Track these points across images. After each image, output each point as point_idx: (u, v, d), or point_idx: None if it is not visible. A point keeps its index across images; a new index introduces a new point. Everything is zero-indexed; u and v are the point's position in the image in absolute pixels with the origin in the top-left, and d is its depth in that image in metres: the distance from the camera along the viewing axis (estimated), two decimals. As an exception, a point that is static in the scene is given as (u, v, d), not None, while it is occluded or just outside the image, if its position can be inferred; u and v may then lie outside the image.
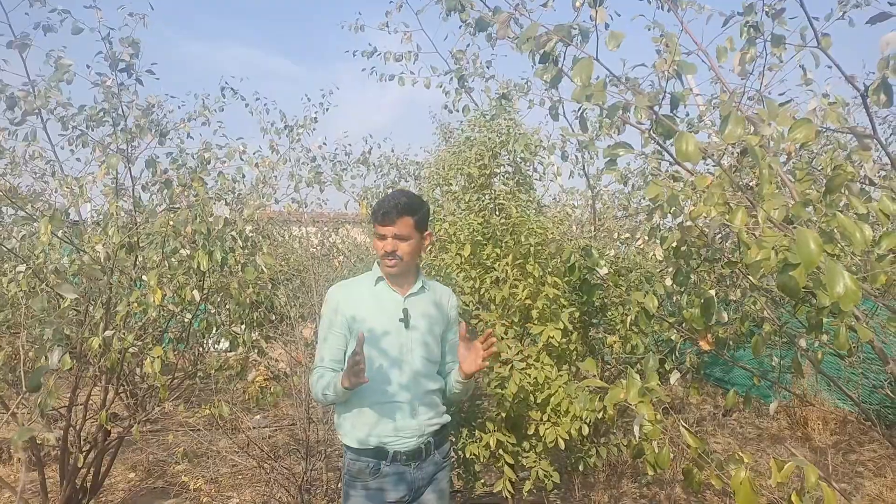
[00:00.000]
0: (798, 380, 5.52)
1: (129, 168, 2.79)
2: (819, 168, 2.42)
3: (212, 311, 3.50)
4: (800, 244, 1.00)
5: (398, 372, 1.97)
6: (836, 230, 1.40)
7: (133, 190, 2.92)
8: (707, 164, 2.61)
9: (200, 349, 4.29)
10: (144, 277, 2.52)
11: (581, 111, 1.87)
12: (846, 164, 1.83)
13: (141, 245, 2.82)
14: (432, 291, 2.12)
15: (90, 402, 3.87)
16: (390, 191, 2.11)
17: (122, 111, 2.66)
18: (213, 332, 3.39)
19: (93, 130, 3.05)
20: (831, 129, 1.79)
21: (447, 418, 2.10)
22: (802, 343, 2.48)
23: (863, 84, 1.54)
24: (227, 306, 3.55)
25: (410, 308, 2.02)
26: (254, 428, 5.30)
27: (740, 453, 1.60)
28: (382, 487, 1.96)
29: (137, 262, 2.99)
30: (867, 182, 1.94)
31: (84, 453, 3.73)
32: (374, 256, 2.10)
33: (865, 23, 1.61)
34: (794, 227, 1.03)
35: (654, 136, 1.82)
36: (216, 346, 3.47)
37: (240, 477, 4.26)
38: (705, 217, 1.86)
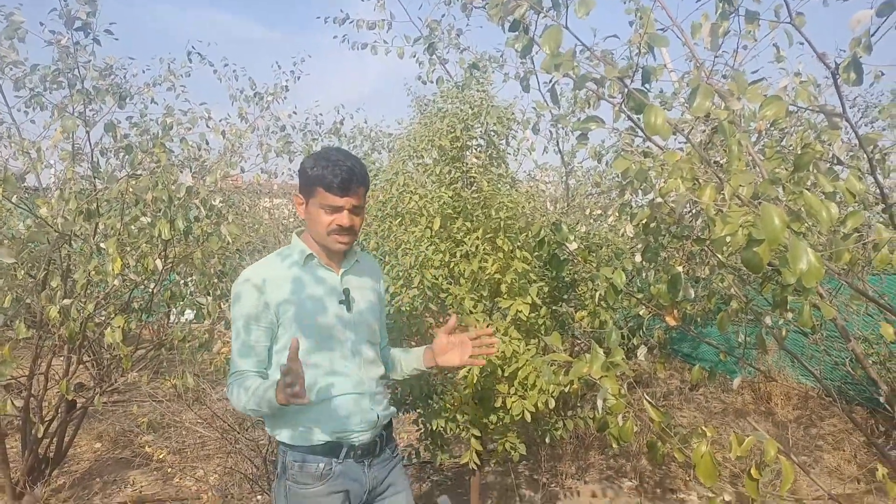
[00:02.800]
0: (763, 356, 5.63)
1: (88, 132, 2.68)
2: (789, 147, 2.43)
3: (178, 281, 3.43)
4: (764, 220, 0.98)
5: (344, 361, 1.73)
6: (802, 208, 1.40)
7: (92, 155, 2.81)
8: (679, 142, 2.60)
9: (166, 320, 4.22)
10: (103, 245, 2.44)
11: (552, 82, 1.83)
12: (815, 143, 1.82)
13: (101, 212, 2.73)
14: (363, 263, 1.88)
15: (54, 371, 3.80)
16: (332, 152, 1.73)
17: (79, 72, 2.54)
18: (179, 302, 3.33)
19: (50, 93, 2.93)
20: (801, 108, 1.78)
21: (394, 410, 1.89)
22: (768, 320, 2.50)
23: (834, 62, 1.52)
24: (193, 276, 3.48)
25: (349, 287, 1.79)
26: (221, 399, 5.27)
27: (703, 428, 1.62)
28: (331, 491, 1.69)
29: (98, 230, 2.91)
30: (836, 161, 1.94)
31: (46, 423, 3.66)
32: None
33: (840, -1, 1.59)
34: (760, 204, 1.02)
35: (625, 110, 1.79)
36: (181, 316, 3.41)
37: (206, 448, 4.23)
38: (675, 193, 1.85)
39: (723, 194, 1.50)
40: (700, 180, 1.68)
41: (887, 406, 2.56)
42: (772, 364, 5.76)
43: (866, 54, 1.40)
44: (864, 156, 1.78)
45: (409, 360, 1.94)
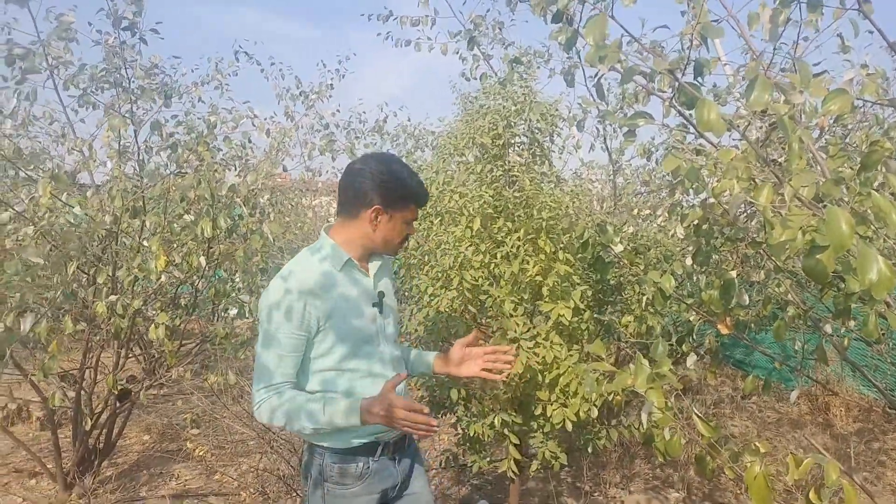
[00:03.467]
0: (821, 366, 5.37)
1: (136, 131, 2.73)
2: (854, 145, 2.27)
3: (224, 278, 3.47)
4: (829, 224, 0.89)
5: (381, 364, 1.73)
6: (869, 210, 1.28)
7: (138, 153, 2.86)
8: (734, 139, 2.47)
9: (213, 316, 4.29)
10: (146, 243, 2.47)
11: (597, 77, 1.74)
12: (884, 140, 1.68)
13: (146, 210, 2.78)
14: (383, 263, 1.84)
15: (104, 365, 3.90)
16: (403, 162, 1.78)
17: (125, 72, 2.58)
18: (223, 300, 3.37)
19: (102, 92, 2.99)
20: (869, 102, 1.65)
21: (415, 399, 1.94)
22: (828, 329, 2.35)
23: (908, 50, 1.40)
24: (237, 274, 3.52)
25: (383, 291, 1.80)
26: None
27: (757, 443, 1.51)
28: (369, 490, 1.72)
29: (145, 228, 2.96)
30: (908, 159, 1.79)
31: (96, 415, 3.76)
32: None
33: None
34: (824, 206, 0.92)
35: (675, 105, 1.69)
36: (225, 314, 3.44)
37: (247, 445, 4.28)
38: (729, 194, 1.74)
39: (781, 195, 1.39)
40: (756, 180, 1.57)
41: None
42: (831, 374, 5.48)
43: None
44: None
45: (418, 364, 1.97)
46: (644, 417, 1.44)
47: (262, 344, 1.59)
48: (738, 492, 3.92)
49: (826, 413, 5.18)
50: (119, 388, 4.00)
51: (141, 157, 2.79)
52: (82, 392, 3.72)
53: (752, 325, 3.22)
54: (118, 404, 3.86)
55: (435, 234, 2.67)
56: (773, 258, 2.48)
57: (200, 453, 3.22)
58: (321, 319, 1.60)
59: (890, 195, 1.54)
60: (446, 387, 2.55)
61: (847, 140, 2.31)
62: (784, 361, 3.67)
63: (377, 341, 1.74)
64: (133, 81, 2.63)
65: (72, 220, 2.74)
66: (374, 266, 1.77)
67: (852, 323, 2.23)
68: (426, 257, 2.70)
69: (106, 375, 3.39)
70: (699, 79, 1.64)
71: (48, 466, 3.71)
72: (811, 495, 1.38)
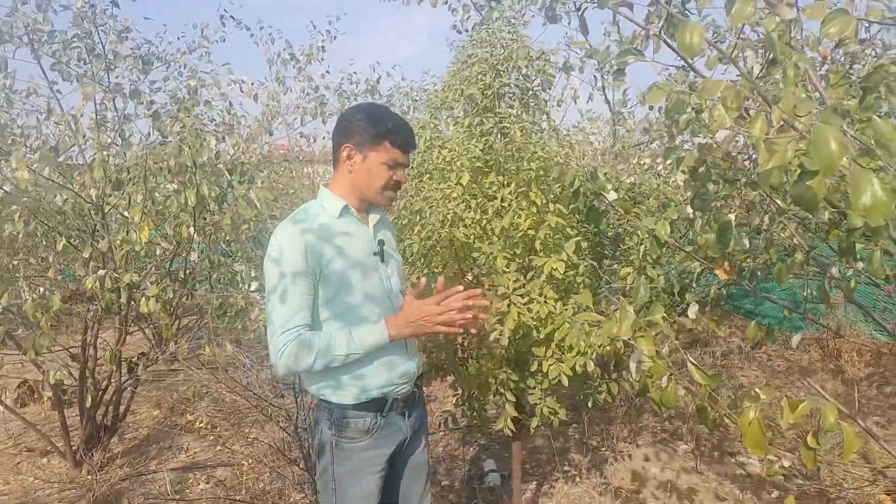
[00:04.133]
0: (832, 312, 5.29)
1: (112, 99, 2.64)
2: (858, 75, 2.15)
3: (220, 249, 3.42)
4: (817, 144, 0.80)
5: (387, 312, 1.73)
6: (871, 140, 1.19)
7: (119, 123, 2.78)
8: (730, 73, 2.34)
9: (211, 289, 4.26)
10: (127, 214, 2.41)
11: (581, 10, 1.63)
12: (889, 65, 1.57)
13: (130, 181, 2.71)
14: (384, 218, 1.89)
15: (106, 342, 3.90)
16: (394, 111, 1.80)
17: (99, 37, 2.49)
18: (217, 270, 3.32)
19: (78, 61, 2.90)
20: (873, 22, 1.54)
21: (423, 357, 1.93)
22: (834, 271, 2.26)
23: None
24: (232, 245, 3.47)
25: (382, 239, 1.81)
26: (256, 368, 5.34)
27: (756, 390, 1.45)
28: (378, 444, 1.74)
29: (132, 201, 2.89)
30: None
31: (100, 392, 3.77)
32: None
33: None
34: (812, 126, 0.83)
35: (665, 38, 1.59)
36: (221, 287, 3.40)
37: (248, 417, 4.29)
38: (726, 129, 1.64)
39: (776, 127, 1.30)
40: (750, 112, 1.47)
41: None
42: (842, 319, 5.40)
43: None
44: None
45: None
46: (633, 367, 1.37)
47: (272, 293, 1.61)
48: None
49: (837, 360, 5.12)
50: (127, 363, 4.01)
51: (120, 127, 2.71)
52: (86, 370, 3.72)
53: (759, 272, 3.14)
54: (123, 380, 3.86)
55: (425, 193, 2.58)
56: (775, 200, 2.39)
57: (200, 425, 3.21)
58: (323, 264, 1.63)
59: (894, 121, 1.44)
60: (442, 348, 2.50)
61: (851, 70, 2.19)
62: (794, 309, 3.59)
63: (381, 290, 1.75)
64: (105, 46, 2.54)
65: (59, 199, 2.68)
66: (374, 218, 1.80)
67: (859, 265, 2.14)
68: (417, 217, 2.63)
69: (109, 352, 3.38)
70: (686, 8, 1.54)
71: (58, 445, 3.74)
72: (809, 439, 1.32)
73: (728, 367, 5.30)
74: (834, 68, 1.78)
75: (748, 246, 2.13)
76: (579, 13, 1.66)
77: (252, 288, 3.02)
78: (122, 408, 4.01)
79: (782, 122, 1.04)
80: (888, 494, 3.18)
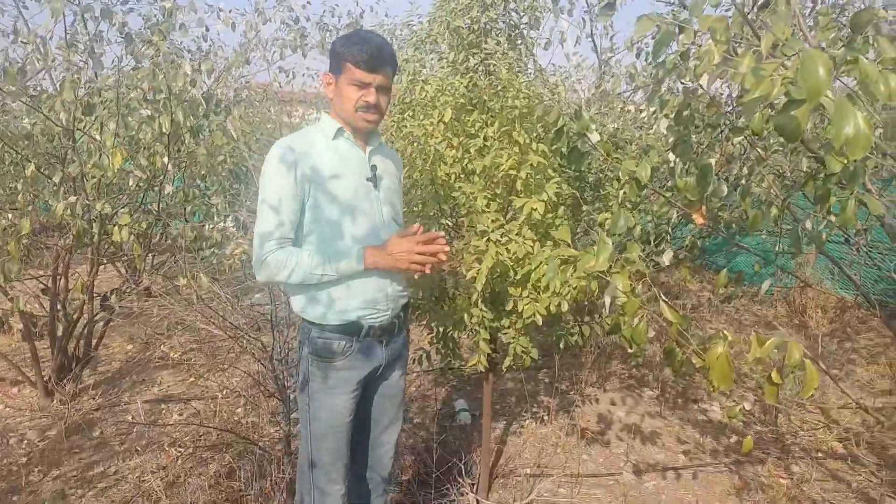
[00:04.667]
0: (801, 269, 5.41)
1: (83, 17, 2.53)
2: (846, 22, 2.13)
3: (196, 183, 3.35)
4: (805, 69, 0.79)
5: (371, 238, 1.78)
6: (856, 81, 1.18)
7: (91, 45, 2.67)
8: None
9: (186, 222, 4.19)
10: (98, 137, 2.34)
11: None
12: (878, 9, 1.56)
13: (102, 104, 2.62)
14: (386, 149, 1.96)
15: (78, 274, 3.84)
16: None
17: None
18: (192, 203, 3.26)
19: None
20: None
21: (411, 290, 2.01)
22: (808, 224, 2.30)
23: None
24: (207, 178, 3.40)
25: (375, 165, 1.84)
26: (254, 305, 5.32)
27: (724, 332, 1.48)
28: (352, 366, 1.82)
29: (104, 126, 2.80)
30: (901, 30, 1.67)
31: (72, 323, 3.74)
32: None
33: None
34: (801, 51, 0.82)
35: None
36: (196, 219, 3.35)
37: (223, 352, 4.29)
38: (711, 73, 1.62)
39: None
40: (739, 51, 1.46)
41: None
42: (810, 276, 5.53)
43: None
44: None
45: None
46: (607, 301, 1.39)
47: (262, 204, 1.69)
48: (711, 389, 4.01)
49: (802, 315, 5.27)
50: (100, 296, 3.97)
51: (91, 48, 2.59)
52: (57, 301, 3.68)
53: (734, 224, 3.18)
54: (95, 312, 3.83)
55: (407, 129, 2.54)
56: (755, 148, 2.40)
57: (175, 356, 3.21)
58: (309, 176, 1.69)
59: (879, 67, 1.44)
60: (419, 287, 2.50)
61: (840, 18, 2.17)
62: (765, 262, 3.65)
63: (372, 213, 1.80)
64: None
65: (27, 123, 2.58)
66: (372, 145, 1.85)
67: (832, 218, 2.17)
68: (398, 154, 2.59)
69: (79, 282, 3.34)
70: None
71: (28, 375, 3.72)
72: (773, 374, 1.37)
73: (697, 319, 5.43)
74: (823, 10, 1.77)
75: (726, 192, 2.14)
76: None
77: (229, 222, 2.98)
78: (94, 340, 3.99)
79: (770, 56, 1.03)
80: (839, 441, 3.33)
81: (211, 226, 2.94)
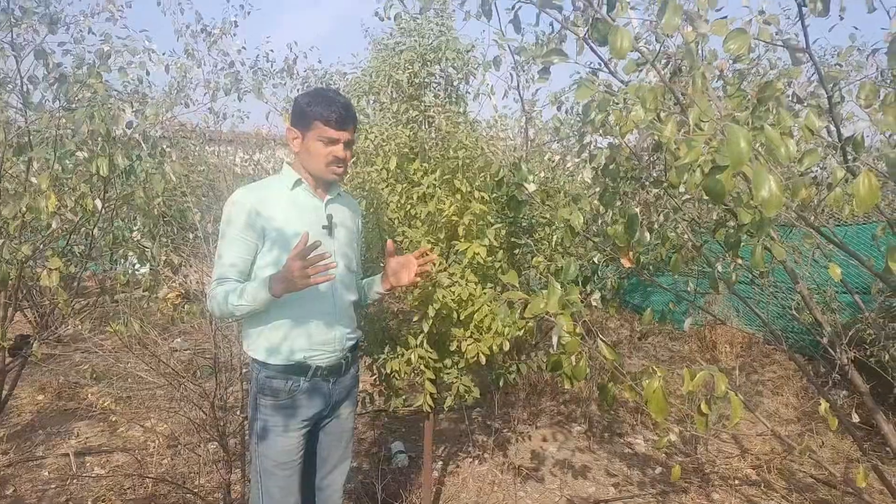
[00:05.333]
0: (710, 306, 5.79)
1: (17, 59, 2.48)
2: (749, 91, 2.41)
3: (121, 226, 3.26)
4: (730, 141, 0.95)
5: (325, 287, 1.84)
6: (760, 146, 1.38)
7: (22, 85, 2.61)
8: (640, 77, 2.55)
9: (111, 267, 4.05)
10: (34, 180, 2.28)
11: (515, 9, 1.75)
12: (776, 82, 1.80)
13: (32, 146, 2.54)
14: (345, 198, 2.04)
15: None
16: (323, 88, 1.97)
17: (3, -9, 2.33)
18: (121, 247, 3.18)
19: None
20: (766, 43, 1.76)
21: (360, 333, 2.09)
22: (719, 267, 2.53)
23: (801, -7, 1.49)
24: (138, 222, 3.32)
25: (332, 214, 1.92)
26: (174, 350, 5.13)
27: (654, 367, 1.63)
28: (299, 404, 1.87)
29: (32, 167, 2.72)
30: (795, 100, 1.93)
31: (-19, 373, 3.50)
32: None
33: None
34: (725, 126, 0.98)
35: (589, 41, 1.73)
36: (123, 263, 3.25)
37: (155, 400, 4.13)
38: (636, 132, 1.81)
39: (683, 130, 1.47)
40: (662, 116, 1.65)
41: (828, 348, 2.65)
42: (718, 314, 5.93)
43: (834, -18, 1.36)
44: (823, 96, 1.77)
45: (372, 287, 2.12)
46: (554, 340, 1.51)
47: (219, 246, 1.79)
48: (635, 423, 4.22)
49: (713, 350, 5.63)
50: (8, 344, 3.73)
51: (25, 89, 2.54)
52: (-36, 348, 3.44)
53: (651, 266, 3.43)
54: (6, 361, 3.60)
55: (351, 176, 2.62)
56: (672, 198, 2.63)
57: (104, 405, 3.07)
58: (266, 228, 1.78)
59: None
60: (364, 330, 2.55)
61: (743, 85, 2.46)
62: (679, 300, 3.91)
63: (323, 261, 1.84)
64: (12, 2, 2.38)
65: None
66: (330, 195, 1.94)
67: (740, 261, 2.41)
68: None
69: (-7, 330, 3.15)
70: (611, 14, 1.68)
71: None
72: (702, 406, 1.52)
73: (618, 353, 5.69)
74: (730, 80, 2.01)
75: (648, 239, 2.34)
76: (513, 11, 1.77)
77: (146, 267, 2.94)
78: (5, 391, 3.74)
79: (694, 125, 1.19)
80: (752, 468, 3.58)
81: (141, 269, 2.88)
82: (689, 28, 1.27)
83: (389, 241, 2.01)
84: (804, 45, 1.58)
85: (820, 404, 1.95)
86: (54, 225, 2.74)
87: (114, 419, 3.71)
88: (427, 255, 2.01)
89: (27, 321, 4.83)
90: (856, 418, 2.62)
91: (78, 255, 3.31)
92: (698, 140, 1.05)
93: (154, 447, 3.18)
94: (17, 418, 4.06)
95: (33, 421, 4.03)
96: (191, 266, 3.47)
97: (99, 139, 2.42)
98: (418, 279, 2.00)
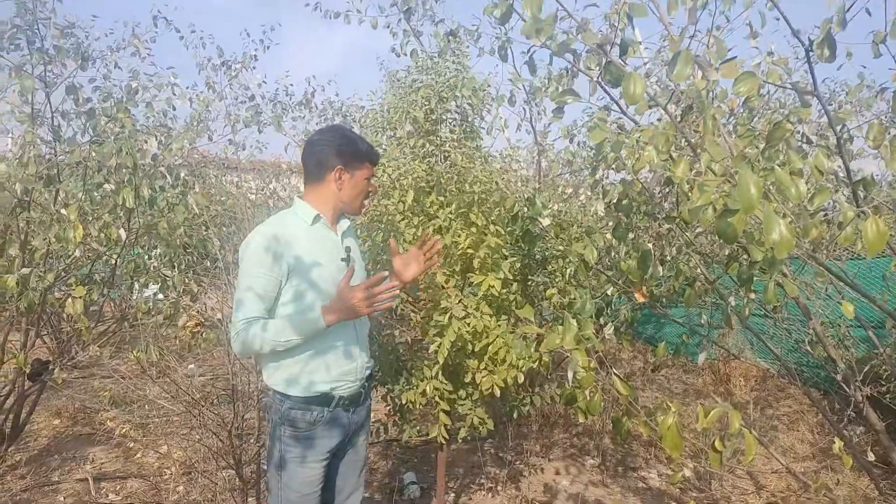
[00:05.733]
0: (724, 339, 5.76)
1: (48, 94, 2.58)
2: (758, 129, 2.46)
3: (141, 254, 3.34)
4: (741, 187, 0.99)
5: (346, 321, 1.86)
6: (771, 186, 1.41)
7: (52, 119, 2.70)
8: (652, 122, 2.61)
9: (129, 294, 4.12)
10: (64, 212, 2.36)
11: (530, 53, 1.81)
12: (785, 122, 1.85)
13: (61, 179, 2.63)
14: (351, 229, 2.10)
15: (11, 345, 3.68)
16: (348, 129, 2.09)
17: (39, 30, 2.43)
18: (142, 276, 3.25)
19: (7, 53, 2.80)
20: (774, 85, 1.80)
21: (374, 362, 2.13)
22: (732, 301, 2.55)
23: (808, 39, 1.54)
24: (158, 249, 3.40)
25: (349, 247, 1.98)
26: (188, 376, 5.18)
27: (668, 403, 1.64)
28: (323, 435, 1.90)
29: (59, 198, 2.80)
30: (805, 141, 1.97)
31: (2, 398, 3.56)
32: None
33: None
34: (736, 172, 1.02)
35: (601, 83, 1.79)
36: (144, 291, 3.32)
37: (171, 425, 4.17)
38: (647, 170, 1.85)
39: (695, 170, 1.51)
40: (673, 155, 1.69)
41: (843, 385, 2.64)
42: (732, 347, 5.90)
43: (840, 30, 1.41)
44: (831, 136, 1.81)
45: None
46: (570, 375, 1.53)
47: (241, 283, 1.79)
48: (649, 457, 4.19)
49: (727, 383, 5.58)
50: (28, 369, 3.79)
51: (56, 123, 2.63)
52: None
53: (664, 299, 3.44)
54: (26, 386, 3.65)
55: (369, 210, 2.68)
56: (684, 233, 2.66)
57: (122, 432, 3.10)
58: (291, 264, 1.80)
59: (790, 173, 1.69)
60: (378, 360, 2.58)
61: (753, 124, 2.50)
62: (692, 331, 3.91)
63: None
64: (46, 41, 2.48)
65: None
66: (341, 227, 2.00)
67: (753, 295, 2.43)
68: (359, 232, 2.72)
69: (13, 356, 3.21)
70: (623, 58, 1.74)
71: (-49, 453, 3.49)
72: (716, 443, 1.53)
73: (631, 387, 5.65)
74: (740, 120, 2.06)
75: (661, 273, 2.37)
76: (528, 55, 1.84)
77: (181, 293, 2.99)
78: (24, 415, 3.79)
79: (705, 168, 1.24)
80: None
81: (146, 292, 2.93)
82: (700, 75, 1.31)
83: (392, 240, 2.06)
84: (812, 87, 1.63)
85: (835, 441, 1.95)
86: (77, 253, 2.82)
87: (131, 445, 3.74)
88: (427, 241, 2.04)
89: (45, 346, 4.91)
90: (872, 457, 2.60)
91: (99, 282, 3.39)
92: (710, 185, 1.09)
93: (169, 474, 3.20)
94: (34, 443, 4.10)
95: (49, 445, 4.07)
96: (208, 295, 3.54)
97: (125, 171, 2.50)
98: (432, 261, 2.05)
